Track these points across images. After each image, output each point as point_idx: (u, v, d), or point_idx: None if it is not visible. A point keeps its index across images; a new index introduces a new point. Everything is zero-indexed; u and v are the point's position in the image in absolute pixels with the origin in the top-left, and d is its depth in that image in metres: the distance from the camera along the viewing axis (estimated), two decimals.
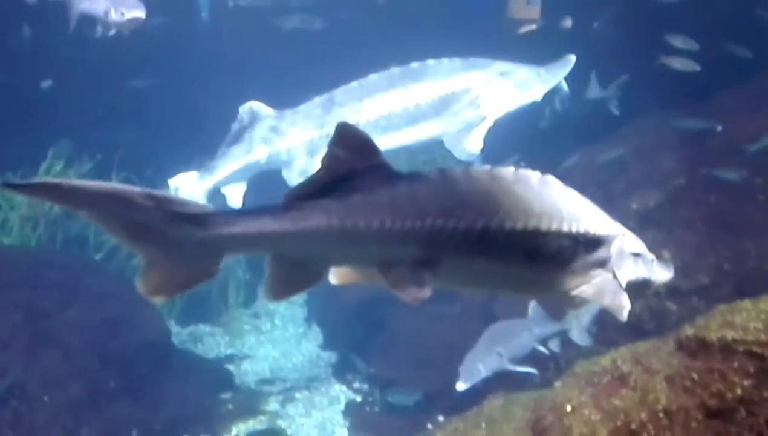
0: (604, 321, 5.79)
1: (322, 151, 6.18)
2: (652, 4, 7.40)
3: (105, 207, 2.30)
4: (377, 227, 2.49)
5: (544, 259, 2.72)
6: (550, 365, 5.82)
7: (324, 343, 8.60)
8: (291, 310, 9.21)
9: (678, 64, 6.94)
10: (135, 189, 2.32)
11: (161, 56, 9.02)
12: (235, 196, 6.25)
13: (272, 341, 8.74)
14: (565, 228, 2.71)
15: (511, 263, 2.68)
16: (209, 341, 8.68)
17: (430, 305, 5.12)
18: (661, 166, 6.85)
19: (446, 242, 2.55)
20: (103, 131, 9.23)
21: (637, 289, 3.01)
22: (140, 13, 6.59)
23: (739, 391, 3.79)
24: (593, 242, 2.82)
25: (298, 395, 7.69)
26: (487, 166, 2.65)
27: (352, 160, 2.51)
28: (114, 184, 2.32)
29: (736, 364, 3.84)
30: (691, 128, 6.90)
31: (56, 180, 2.26)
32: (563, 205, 2.73)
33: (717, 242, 5.98)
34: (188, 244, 2.38)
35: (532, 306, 5.68)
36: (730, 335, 3.91)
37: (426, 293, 2.52)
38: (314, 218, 2.45)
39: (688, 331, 4.04)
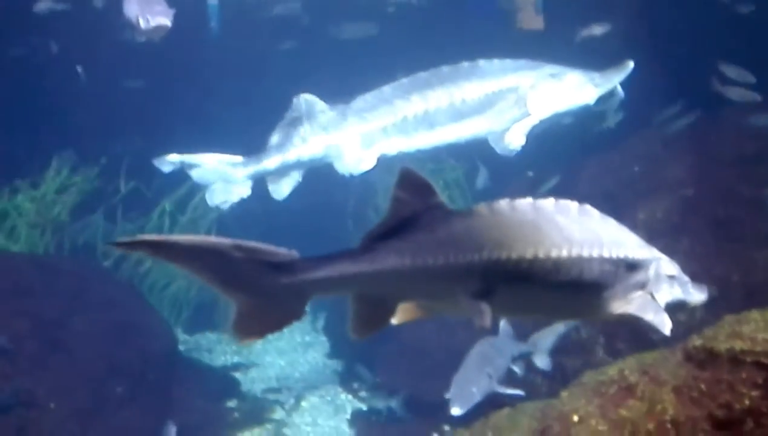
0: (612, 332, 5.78)
1: (374, 145, 6.20)
2: (654, 18, 7.40)
3: (200, 260, 2.50)
4: (443, 262, 2.70)
5: (588, 284, 2.90)
6: (558, 375, 5.81)
7: (330, 352, 8.61)
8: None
9: (735, 95, 6.74)
10: (226, 241, 2.51)
11: (170, 65, 9.05)
12: (283, 188, 6.18)
13: (279, 350, 8.75)
14: (606, 254, 2.90)
15: (558, 289, 2.86)
16: (216, 349, 8.70)
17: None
18: (668, 176, 6.84)
19: (501, 273, 2.75)
20: (109, 139, 9.25)
21: (674, 310, 3.21)
22: (165, 21, 6.44)
23: (747, 402, 3.77)
24: (632, 266, 3.02)
25: (304, 404, 7.70)
26: (530, 198, 2.83)
27: (414, 201, 2.72)
28: (207, 238, 2.54)
29: (744, 375, 3.82)
30: None
31: (157, 237, 2.46)
32: (602, 232, 2.93)
33: (725, 253, 5.94)
34: (276, 290, 2.58)
35: (502, 325, 5.61)
36: (738, 345, 3.89)
37: (488, 321, 2.72)
38: (389, 258, 2.67)
39: (696, 341, 4.03)
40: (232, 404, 7.67)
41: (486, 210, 2.78)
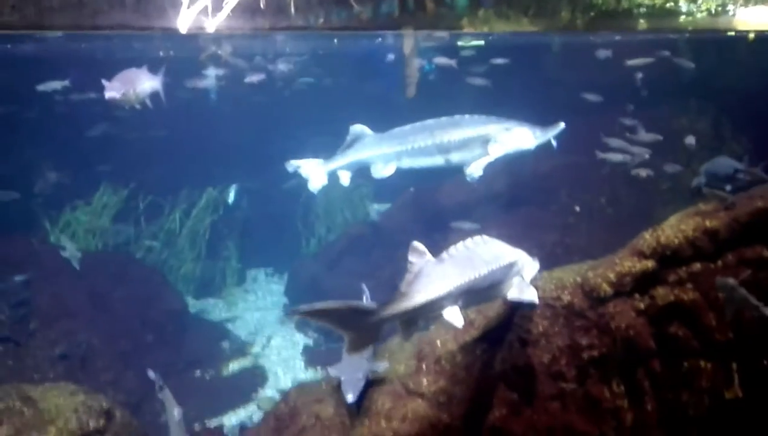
0: None
1: (394, 161, 6.02)
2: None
3: (333, 317, 3.06)
4: (438, 294, 3.23)
5: (497, 283, 3.56)
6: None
7: (290, 307, 8.52)
8: (269, 285, 9.12)
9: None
10: (345, 303, 3.05)
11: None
12: (344, 177, 6.16)
13: (256, 308, 8.63)
14: (502, 263, 3.53)
15: (486, 289, 3.49)
16: (215, 309, 8.52)
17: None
18: (495, 189, 6.93)
19: (465, 289, 3.34)
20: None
21: (532, 280, 3.87)
22: (112, 94, 4.82)
23: (540, 328, 3.99)
24: (513, 265, 3.65)
25: (273, 342, 7.64)
26: (464, 241, 3.40)
27: (419, 260, 3.29)
28: (338, 303, 3.03)
29: (539, 311, 4.03)
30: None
31: (316, 306, 2.98)
32: (496, 250, 3.55)
33: (528, 237, 6.07)
34: (369, 324, 3.10)
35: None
36: None
37: (462, 321, 3.27)
38: (416, 298, 3.20)
39: None
40: (225, 344, 7.55)
41: (454, 252, 3.36)
